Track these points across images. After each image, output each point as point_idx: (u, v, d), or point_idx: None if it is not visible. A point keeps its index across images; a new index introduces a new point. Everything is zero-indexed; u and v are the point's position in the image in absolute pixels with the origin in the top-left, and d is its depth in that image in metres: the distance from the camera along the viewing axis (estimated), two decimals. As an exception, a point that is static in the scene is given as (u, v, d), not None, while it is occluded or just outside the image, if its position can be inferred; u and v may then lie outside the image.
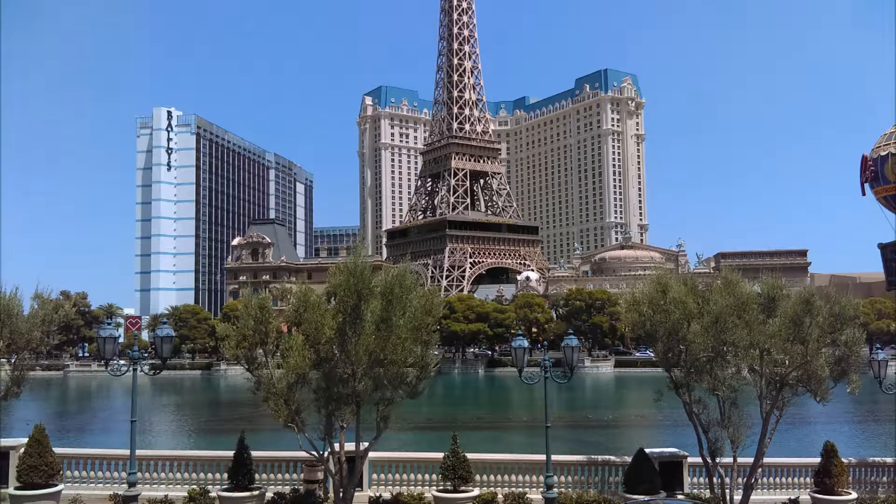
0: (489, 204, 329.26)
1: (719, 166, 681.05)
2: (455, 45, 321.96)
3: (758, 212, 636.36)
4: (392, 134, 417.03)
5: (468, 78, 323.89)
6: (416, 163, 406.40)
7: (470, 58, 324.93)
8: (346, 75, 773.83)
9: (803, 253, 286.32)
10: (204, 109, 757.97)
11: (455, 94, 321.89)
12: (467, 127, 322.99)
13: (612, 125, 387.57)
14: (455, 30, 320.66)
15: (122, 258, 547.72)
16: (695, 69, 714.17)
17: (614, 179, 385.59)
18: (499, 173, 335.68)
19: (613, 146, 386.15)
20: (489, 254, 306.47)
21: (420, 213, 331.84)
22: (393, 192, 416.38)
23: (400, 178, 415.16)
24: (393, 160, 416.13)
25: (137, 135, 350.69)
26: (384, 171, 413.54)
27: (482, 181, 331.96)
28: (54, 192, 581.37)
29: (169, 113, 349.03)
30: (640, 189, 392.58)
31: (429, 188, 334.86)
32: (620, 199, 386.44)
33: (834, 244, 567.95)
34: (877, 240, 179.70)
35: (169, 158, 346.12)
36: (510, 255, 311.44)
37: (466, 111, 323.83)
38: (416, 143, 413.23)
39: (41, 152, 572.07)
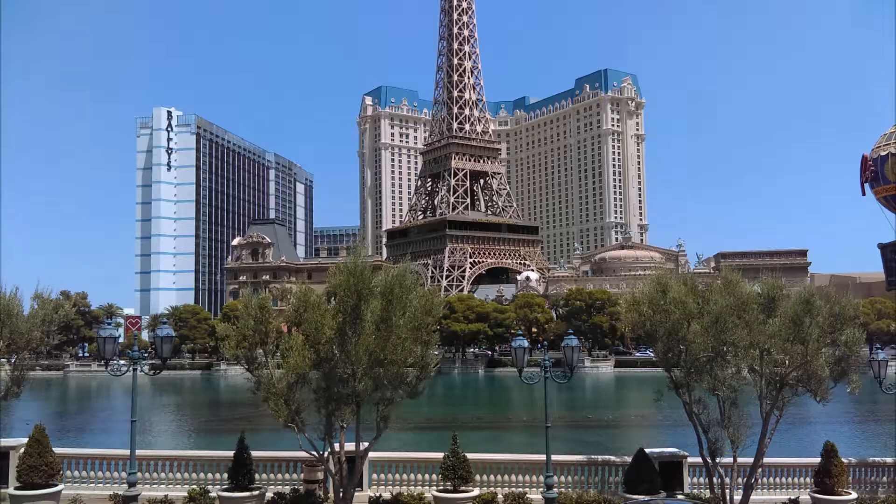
0: (489, 204, 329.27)
1: (719, 166, 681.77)
2: (455, 45, 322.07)
3: (758, 212, 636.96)
4: (392, 134, 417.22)
5: (468, 78, 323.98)
6: (416, 163, 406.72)
7: (470, 58, 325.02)
8: (346, 75, 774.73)
9: (803, 253, 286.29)
10: (204, 109, 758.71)
11: (455, 94, 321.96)
12: (467, 127, 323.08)
13: (612, 125, 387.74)
14: (455, 30, 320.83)
15: (122, 258, 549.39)
16: (695, 69, 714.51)
17: (614, 179, 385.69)
18: (499, 173, 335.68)
19: (613, 146, 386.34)
20: (489, 254, 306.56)
21: (420, 213, 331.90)
22: (393, 192, 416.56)
23: (400, 178, 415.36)
24: (393, 160, 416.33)
25: (137, 135, 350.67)
26: (384, 171, 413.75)
27: (482, 181, 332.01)
28: (54, 192, 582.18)
29: (169, 113, 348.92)
30: (640, 189, 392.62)
31: (429, 188, 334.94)
32: (620, 199, 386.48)
33: (834, 244, 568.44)
34: (877, 240, 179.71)
35: (169, 158, 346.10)
36: (510, 255, 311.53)
37: (466, 111, 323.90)
38: (416, 143, 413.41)
39: (41, 152, 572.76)
